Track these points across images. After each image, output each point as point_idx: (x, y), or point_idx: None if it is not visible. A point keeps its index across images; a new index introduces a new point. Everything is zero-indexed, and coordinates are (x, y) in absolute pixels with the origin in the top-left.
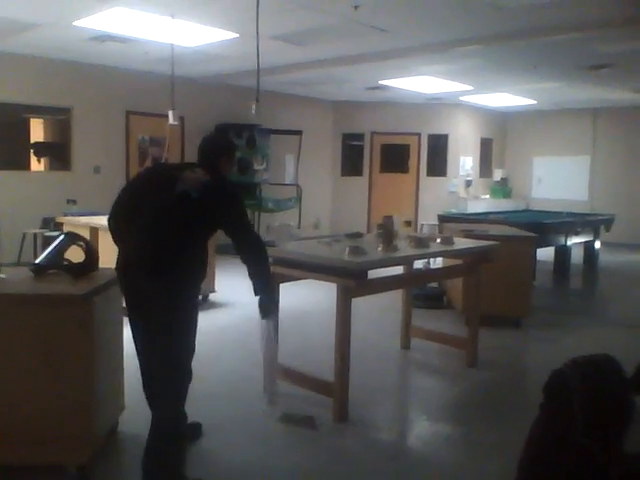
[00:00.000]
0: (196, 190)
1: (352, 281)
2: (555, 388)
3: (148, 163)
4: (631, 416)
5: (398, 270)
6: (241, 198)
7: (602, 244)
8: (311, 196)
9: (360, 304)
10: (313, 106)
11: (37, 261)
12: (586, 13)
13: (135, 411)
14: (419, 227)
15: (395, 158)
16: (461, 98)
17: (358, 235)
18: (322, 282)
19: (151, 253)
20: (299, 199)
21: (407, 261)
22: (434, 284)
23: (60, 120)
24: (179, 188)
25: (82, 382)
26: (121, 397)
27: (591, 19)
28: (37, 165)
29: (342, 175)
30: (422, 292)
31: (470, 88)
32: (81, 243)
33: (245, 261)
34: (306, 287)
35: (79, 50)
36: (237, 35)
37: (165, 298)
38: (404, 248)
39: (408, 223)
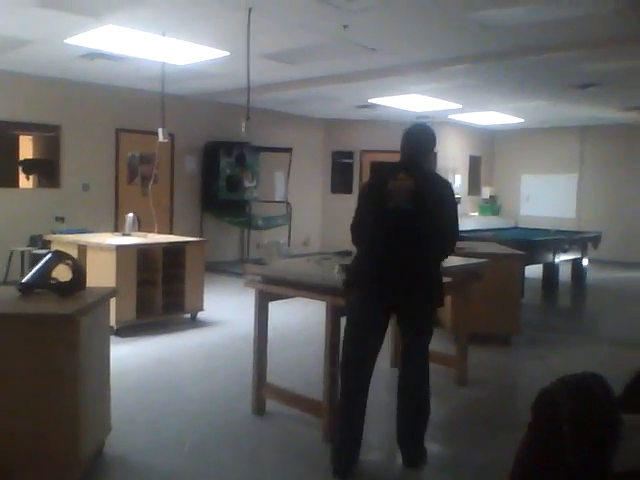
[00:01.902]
0: (406, 201)
1: (341, 299)
2: (543, 407)
3: (137, 181)
4: (619, 435)
5: None
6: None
7: (590, 261)
8: (301, 213)
9: None
10: (303, 124)
11: (24, 280)
12: (572, 33)
13: (122, 432)
14: None
15: None
16: (450, 116)
17: (347, 253)
18: (312, 300)
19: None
20: (289, 216)
21: None
22: None
23: (49, 137)
24: (391, 205)
25: (68, 403)
26: (107, 418)
27: (577, 39)
28: (26, 182)
29: (332, 192)
30: None
31: (458, 106)
32: (68, 262)
33: (439, 254)
34: (296, 305)
35: (70, 67)
36: (228, 53)
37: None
38: None
39: None
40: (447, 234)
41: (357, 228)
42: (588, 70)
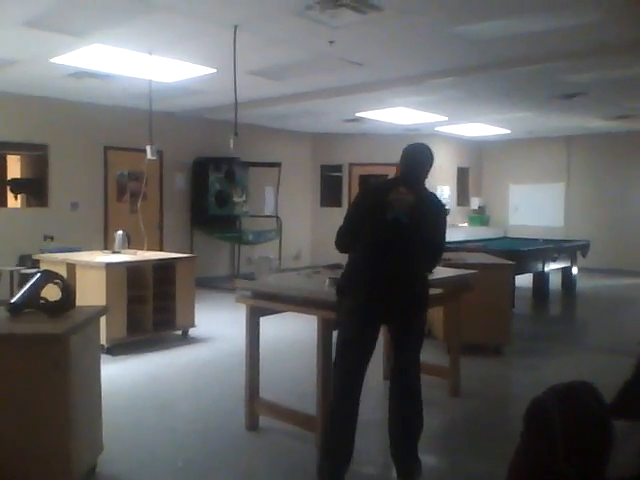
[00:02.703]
0: (404, 214)
1: (332, 313)
2: (535, 416)
3: (127, 198)
4: (612, 442)
5: None
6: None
7: (579, 270)
8: (291, 227)
9: None
10: (291, 138)
11: (12, 300)
12: (556, 44)
13: (114, 451)
14: None
15: None
16: (437, 128)
17: (337, 266)
18: (303, 314)
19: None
20: (279, 231)
21: None
22: None
23: (37, 156)
24: (389, 216)
25: (59, 423)
26: (99, 437)
27: (561, 49)
28: (14, 202)
29: (321, 206)
30: None
31: (445, 119)
32: (57, 281)
33: (425, 266)
34: (287, 320)
35: (57, 86)
36: (215, 70)
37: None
38: None
39: None
40: (436, 249)
41: (346, 234)
42: (572, 80)
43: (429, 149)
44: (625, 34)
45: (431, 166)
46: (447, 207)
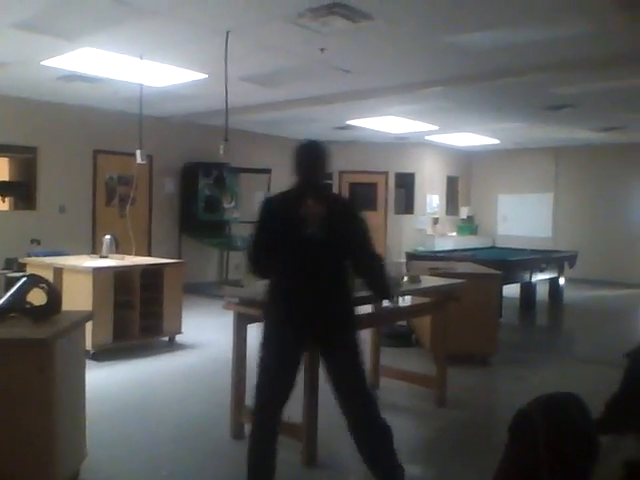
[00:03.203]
0: (319, 229)
1: None
2: (519, 428)
3: (115, 202)
4: (596, 454)
5: (366, 309)
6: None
7: (566, 280)
8: None
9: None
10: (282, 145)
11: None
12: (545, 56)
13: (97, 459)
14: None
15: (363, 196)
16: (427, 137)
17: None
18: None
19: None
20: None
21: (374, 301)
22: (402, 322)
23: (26, 159)
24: (305, 234)
25: (42, 429)
26: (83, 444)
27: (550, 61)
28: (1, 204)
29: None
30: (391, 331)
31: (435, 128)
32: (43, 285)
33: (367, 274)
34: None
35: (47, 89)
36: (206, 76)
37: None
38: None
39: None
40: (367, 256)
41: (258, 257)
42: (561, 92)
43: (320, 145)
44: (613, 47)
45: (327, 162)
46: (363, 213)
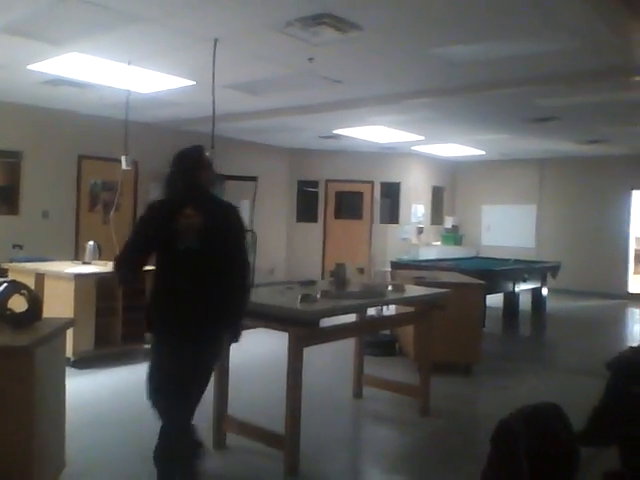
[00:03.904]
0: (194, 241)
1: (304, 330)
2: (501, 438)
3: (99, 208)
4: (577, 465)
5: (351, 318)
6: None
7: (549, 291)
8: (266, 242)
9: (312, 351)
10: (269, 153)
11: None
12: (530, 69)
13: (76, 469)
14: (372, 274)
15: (349, 205)
16: (413, 148)
17: (311, 283)
18: (275, 331)
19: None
20: (254, 245)
21: (359, 309)
22: (386, 331)
23: (9, 163)
24: (180, 246)
25: (20, 438)
26: (62, 454)
27: (535, 75)
28: None
29: (297, 221)
30: (375, 340)
31: (421, 138)
32: (24, 292)
33: (237, 288)
34: (258, 336)
35: (32, 93)
36: (193, 83)
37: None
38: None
39: (361, 270)
40: (239, 266)
41: (132, 250)
42: (546, 105)
43: (197, 149)
44: (598, 61)
45: (204, 167)
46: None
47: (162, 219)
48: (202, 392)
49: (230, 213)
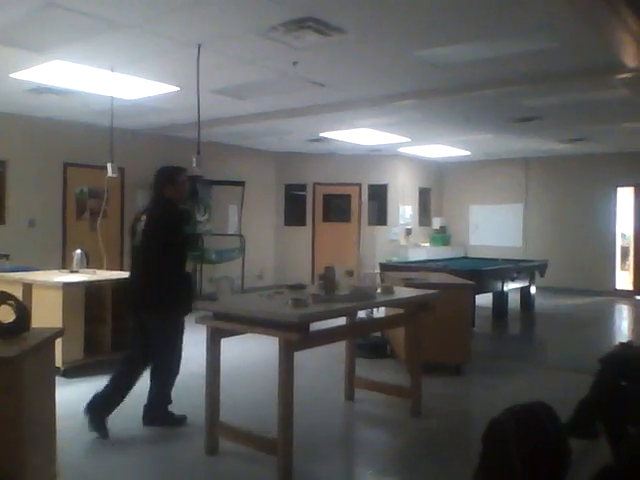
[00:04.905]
0: (139, 239)
1: (294, 334)
2: (493, 437)
3: (86, 216)
4: (568, 463)
5: (341, 321)
6: (168, 221)
7: (537, 289)
8: (255, 246)
9: (303, 355)
10: (255, 157)
11: None
12: (511, 70)
13: (68, 479)
14: (361, 276)
15: (337, 208)
16: (399, 149)
17: (301, 287)
18: (264, 335)
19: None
20: (242, 249)
21: (348, 312)
22: (377, 333)
23: None
24: (135, 242)
25: (11, 451)
26: (53, 465)
27: (518, 75)
28: None
29: (285, 225)
30: (365, 342)
31: (407, 140)
32: (11, 302)
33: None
34: (248, 341)
35: (16, 102)
36: (178, 88)
37: None
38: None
39: (350, 273)
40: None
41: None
42: (529, 105)
43: (163, 168)
44: (580, 61)
45: (162, 181)
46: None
47: (131, 226)
48: None
49: (155, 218)
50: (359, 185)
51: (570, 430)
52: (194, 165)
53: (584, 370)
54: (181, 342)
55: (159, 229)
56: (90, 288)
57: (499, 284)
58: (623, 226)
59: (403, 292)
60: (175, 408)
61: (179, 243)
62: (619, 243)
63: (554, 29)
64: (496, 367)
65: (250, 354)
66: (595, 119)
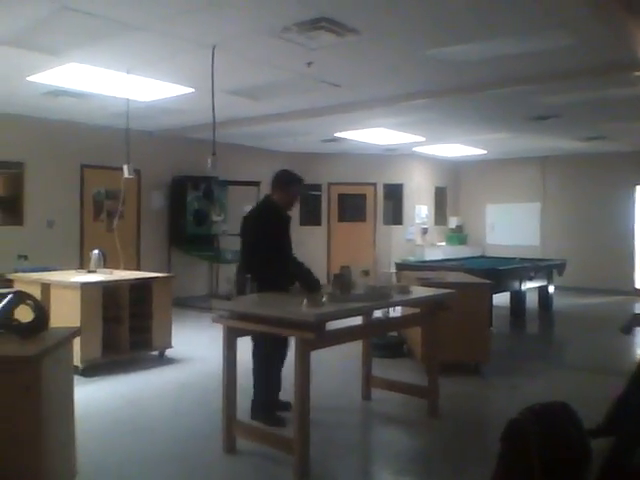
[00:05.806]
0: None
1: (310, 334)
2: (512, 437)
3: (103, 217)
4: (588, 463)
5: (357, 320)
6: (262, 219)
7: (555, 288)
8: None
9: (319, 354)
10: (270, 158)
11: None
12: (529, 67)
13: (87, 476)
14: (377, 276)
15: (352, 207)
16: (415, 149)
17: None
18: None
19: None
20: None
21: (364, 312)
22: (394, 333)
23: (13, 174)
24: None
25: (30, 450)
26: (73, 462)
27: (534, 73)
28: None
29: (301, 225)
30: (382, 341)
31: (423, 139)
32: (30, 302)
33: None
34: None
35: (33, 105)
36: (193, 90)
37: None
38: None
39: (366, 272)
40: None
41: None
42: (546, 103)
43: (281, 172)
44: (597, 58)
45: (275, 184)
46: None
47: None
48: None
49: (250, 220)
50: (374, 185)
51: (604, 431)
52: (209, 166)
53: (604, 371)
54: None
55: (255, 227)
56: (107, 288)
57: (517, 283)
58: None
59: (419, 292)
60: (192, 408)
61: (270, 242)
62: (638, 242)
63: (571, 27)
64: (515, 367)
65: None
66: (613, 117)
